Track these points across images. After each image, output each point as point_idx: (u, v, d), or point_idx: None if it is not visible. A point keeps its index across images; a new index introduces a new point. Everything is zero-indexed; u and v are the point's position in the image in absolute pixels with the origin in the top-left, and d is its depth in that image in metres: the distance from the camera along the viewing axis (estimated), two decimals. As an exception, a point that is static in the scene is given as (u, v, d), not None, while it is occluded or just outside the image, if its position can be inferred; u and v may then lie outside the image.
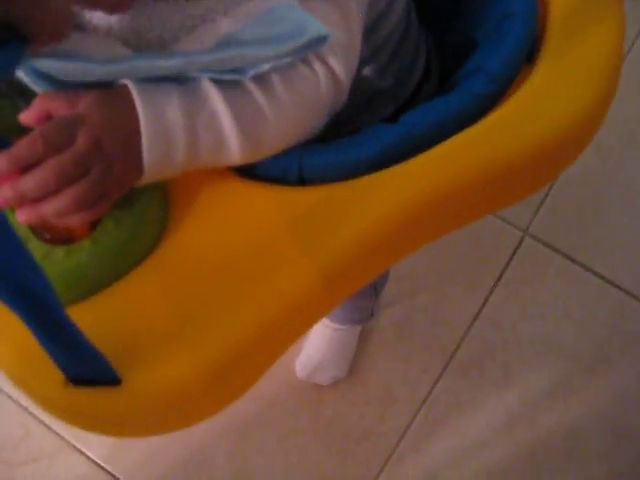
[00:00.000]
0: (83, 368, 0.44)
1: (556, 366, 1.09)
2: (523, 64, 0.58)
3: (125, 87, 0.45)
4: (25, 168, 0.42)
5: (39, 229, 0.49)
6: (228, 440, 1.07)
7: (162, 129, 0.45)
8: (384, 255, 0.53)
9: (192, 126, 0.45)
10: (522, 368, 1.08)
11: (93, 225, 0.48)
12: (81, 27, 0.50)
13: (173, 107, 0.45)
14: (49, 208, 0.42)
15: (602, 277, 1.11)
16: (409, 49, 0.69)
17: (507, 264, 1.12)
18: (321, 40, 0.48)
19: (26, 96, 0.47)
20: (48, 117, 0.45)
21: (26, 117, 0.45)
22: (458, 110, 0.54)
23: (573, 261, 1.12)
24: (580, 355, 1.09)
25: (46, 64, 0.44)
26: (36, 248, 0.48)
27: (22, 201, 0.42)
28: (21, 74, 0.45)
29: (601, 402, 1.06)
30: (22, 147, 0.41)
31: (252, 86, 0.48)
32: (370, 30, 0.61)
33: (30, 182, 0.41)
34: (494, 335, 1.09)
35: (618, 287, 1.10)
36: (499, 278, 1.11)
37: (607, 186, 1.17)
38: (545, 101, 0.54)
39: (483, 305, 1.10)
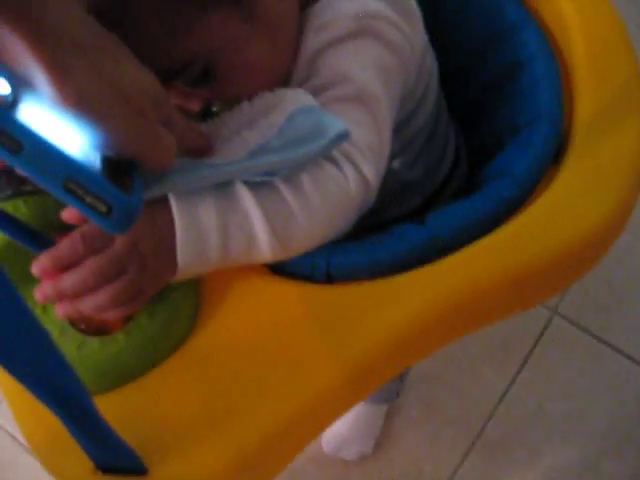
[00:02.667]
0: (110, 457, 0.46)
1: (583, 448, 1.07)
2: (549, 165, 0.59)
3: None
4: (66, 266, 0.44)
5: (75, 319, 0.51)
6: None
7: (196, 230, 0.47)
8: (408, 354, 0.54)
9: (225, 227, 0.47)
10: (548, 449, 1.07)
11: (127, 317, 0.50)
12: None
13: (207, 209, 0.47)
14: (87, 305, 0.45)
15: (631, 358, 1.10)
16: (438, 143, 0.71)
17: (536, 343, 1.11)
18: (342, 136, 0.50)
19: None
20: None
21: (67, 215, 0.47)
22: (484, 213, 0.55)
23: (602, 341, 1.12)
24: (608, 437, 1.07)
25: None
26: (72, 338, 0.50)
27: (61, 298, 0.45)
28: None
29: (630, 486, 1.05)
30: (64, 247, 0.44)
31: (282, 187, 0.49)
32: (400, 126, 0.63)
33: (70, 281, 0.44)
34: (521, 414, 1.08)
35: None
36: (527, 357, 1.11)
37: (638, 266, 1.17)
38: (570, 207, 0.55)
39: (511, 384, 1.10)
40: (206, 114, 0.57)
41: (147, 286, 0.47)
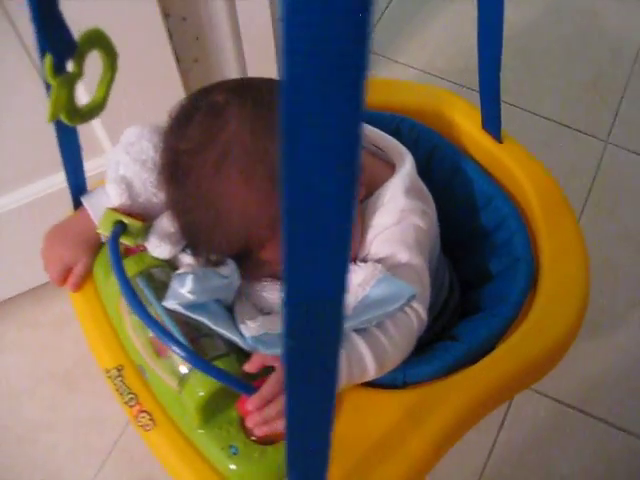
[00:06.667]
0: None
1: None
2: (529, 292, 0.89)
3: None
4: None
5: (250, 432, 0.75)
6: None
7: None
8: (469, 421, 0.81)
9: (349, 366, 0.73)
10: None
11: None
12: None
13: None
14: (279, 426, 0.70)
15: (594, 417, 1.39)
16: (437, 276, 1.00)
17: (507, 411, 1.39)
18: (412, 298, 0.78)
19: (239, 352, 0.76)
20: (262, 366, 0.73)
21: (249, 368, 0.73)
22: (496, 329, 0.85)
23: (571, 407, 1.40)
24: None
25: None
26: (254, 447, 0.74)
27: (265, 422, 0.70)
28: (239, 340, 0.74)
29: None
30: (266, 390, 0.69)
31: (377, 332, 0.76)
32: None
33: (273, 411, 0.69)
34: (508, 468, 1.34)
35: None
36: (502, 422, 1.38)
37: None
38: (547, 321, 0.85)
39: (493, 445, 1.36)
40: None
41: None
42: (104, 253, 0.87)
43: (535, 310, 0.86)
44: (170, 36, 1.12)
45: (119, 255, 0.73)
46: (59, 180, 1.26)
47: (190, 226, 0.76)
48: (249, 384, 0.71)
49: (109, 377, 0.83)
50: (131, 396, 0.81)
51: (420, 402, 0.79)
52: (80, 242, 0.86)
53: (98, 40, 0.69)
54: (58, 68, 0.66)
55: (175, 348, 0.68)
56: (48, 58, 0.65)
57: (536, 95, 1.76)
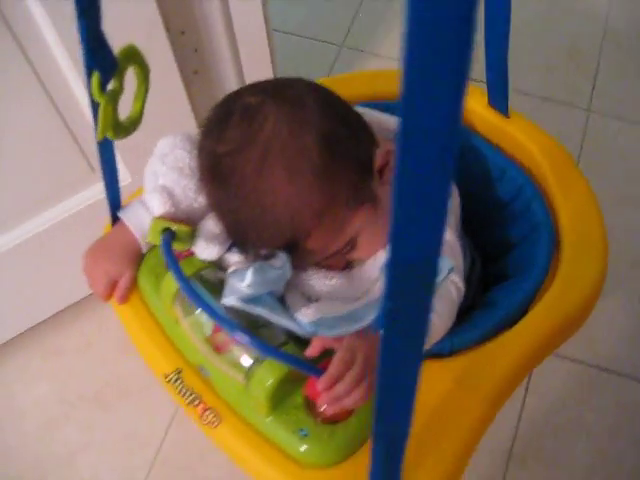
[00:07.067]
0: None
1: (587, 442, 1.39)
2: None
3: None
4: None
5: (316, 412, 0.79)
6: None
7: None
8: (518, 377, 0.85)
9: None
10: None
11: (349, 412, 0.78)
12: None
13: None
14: (349, 401, 0.73)
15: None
16: (462, 250, 1.04)
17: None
18: (451, 270, 0.82)
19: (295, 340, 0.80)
20: (323, 349, 0.77)
21: (311, 352, 0.76)
22: (530, 292, 0.89)
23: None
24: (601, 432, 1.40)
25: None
26: (324, 428, 0.77)
27: (335, 401, 0.73)
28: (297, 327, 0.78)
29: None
30: (335, 369, 0.72)
31: None
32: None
33: (341, 389, 0.72)
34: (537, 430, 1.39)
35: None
36: (527, 387, 1.43)
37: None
38: (576, 278, 0.90)
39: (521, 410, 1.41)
40: (346, 267, 0.88)
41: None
42: (147, 264, 0.90)
43: (562, 271, 0.91)
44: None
45: (175, 258, 0.76)
46: (71, 206, 1.30)
47: (237, 225, 0.80)
48: (316, 367, 0.75)
49: (168, 382, 0.86)
50: (194, 396, 0.84)
51: (470, 367, 0.83)
52: (123, 255, 0.89)
53: (134, 56, 0.73)
54: (103, 86, 0.70)
55: (245, 337, 0.71)
56: (95, 76, 0.68)
57: (515, 72, 1.81)
